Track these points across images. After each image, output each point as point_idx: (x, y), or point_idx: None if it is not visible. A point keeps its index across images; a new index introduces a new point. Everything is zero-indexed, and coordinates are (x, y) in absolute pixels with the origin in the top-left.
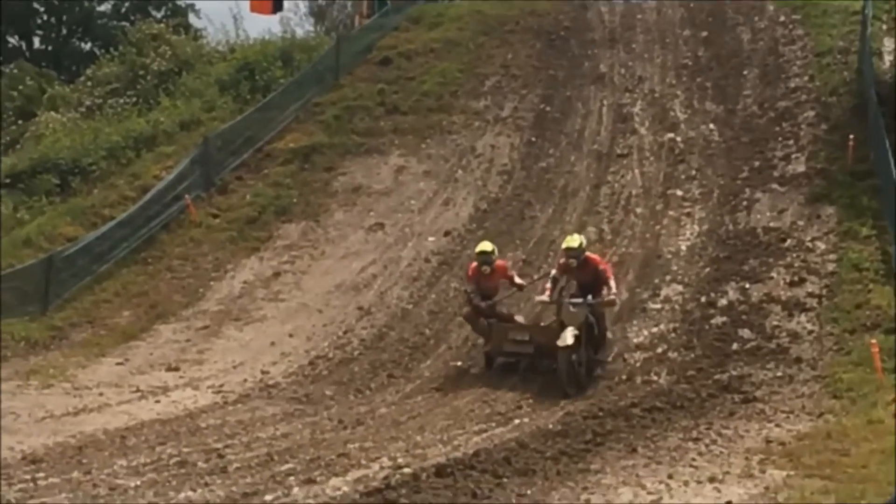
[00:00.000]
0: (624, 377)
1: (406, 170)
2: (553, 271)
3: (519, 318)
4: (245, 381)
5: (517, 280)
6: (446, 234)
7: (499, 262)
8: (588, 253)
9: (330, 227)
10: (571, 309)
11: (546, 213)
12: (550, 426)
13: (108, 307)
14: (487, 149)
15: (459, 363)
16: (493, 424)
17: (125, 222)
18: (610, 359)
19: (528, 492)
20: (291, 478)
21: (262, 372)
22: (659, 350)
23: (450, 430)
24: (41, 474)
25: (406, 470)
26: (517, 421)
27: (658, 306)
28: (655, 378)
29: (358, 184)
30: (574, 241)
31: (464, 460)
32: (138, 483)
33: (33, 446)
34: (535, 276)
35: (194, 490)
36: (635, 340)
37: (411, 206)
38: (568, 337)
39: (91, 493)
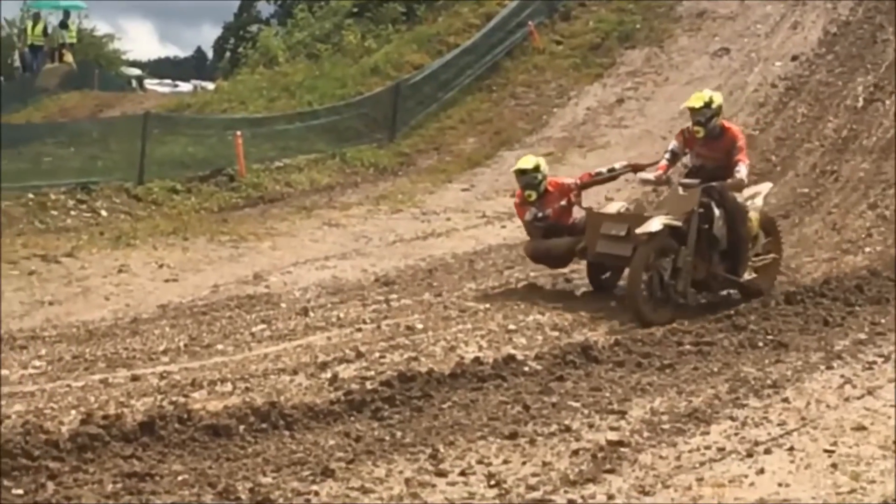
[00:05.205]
0: None
1: None
2: (673, 143)
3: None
4: (591, 207)
5: (616, 165)
6: (794, 58)
7: (551, 181)
8: (724, 120)
9: (674, 53)
10: (680, 191)
11: None
12: None
13: (454, 134)
14: None
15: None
16: (841, 252)
17: (469, 49)
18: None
19: (882, 320)
20: None
21: (607, 199)
22: None
23: (798, 257)
24: (394, 296)
25: None
26: (868, 249)
27: None
28: None
29: (703, 8)
30: (700, 98)
31: (813, 288)
32: (487, 306)
33: (385, 268)
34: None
35: (542, 314)
36: None
37: (757, 30)
38: (653, 224)
39: (442, 314)
